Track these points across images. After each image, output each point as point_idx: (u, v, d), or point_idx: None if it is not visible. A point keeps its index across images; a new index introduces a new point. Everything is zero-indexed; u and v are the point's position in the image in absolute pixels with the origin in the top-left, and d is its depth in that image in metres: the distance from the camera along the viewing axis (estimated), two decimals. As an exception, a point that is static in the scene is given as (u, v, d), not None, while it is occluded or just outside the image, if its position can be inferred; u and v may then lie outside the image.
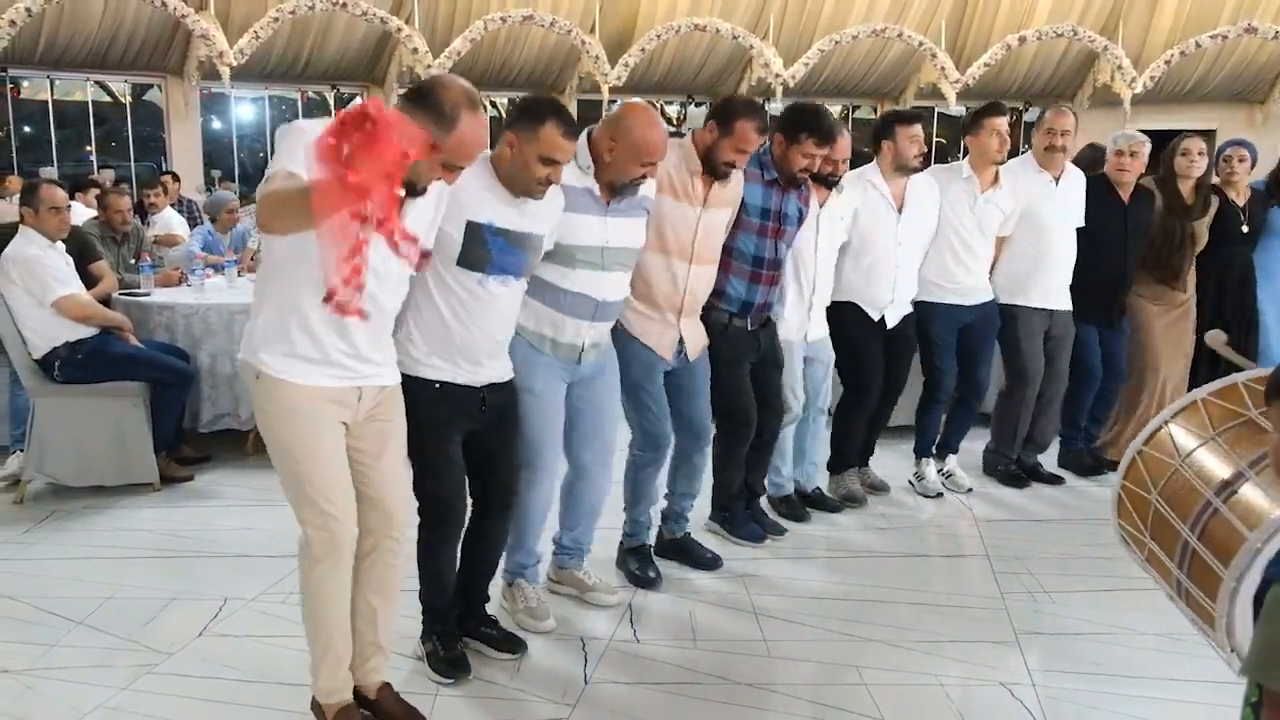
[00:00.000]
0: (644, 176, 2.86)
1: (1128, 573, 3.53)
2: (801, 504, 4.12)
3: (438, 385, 2.58)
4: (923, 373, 4.45)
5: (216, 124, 14.99)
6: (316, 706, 2.44)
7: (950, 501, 4.37)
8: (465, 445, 2.69)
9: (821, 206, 3.81)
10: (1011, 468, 4.60)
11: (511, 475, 2.82)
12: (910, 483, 4.49)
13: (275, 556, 3.48)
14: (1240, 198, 4.82)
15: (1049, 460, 4.76)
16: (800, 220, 3.66)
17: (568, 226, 2.79)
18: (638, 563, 3.45)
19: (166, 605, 3.18)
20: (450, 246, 2.51)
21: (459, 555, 2.79)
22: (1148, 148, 4.56)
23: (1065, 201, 4.41)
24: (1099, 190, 4.53)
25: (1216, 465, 1.62)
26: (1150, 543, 1.69)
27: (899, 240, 4.09)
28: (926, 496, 4.38)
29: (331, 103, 13.63)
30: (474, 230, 2.52)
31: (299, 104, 14.03)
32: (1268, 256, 4.96)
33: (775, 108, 14.80)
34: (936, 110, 14.85)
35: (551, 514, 3.15)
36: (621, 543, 3.51)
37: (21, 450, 4.35)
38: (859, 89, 15.04)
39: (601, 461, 3.14)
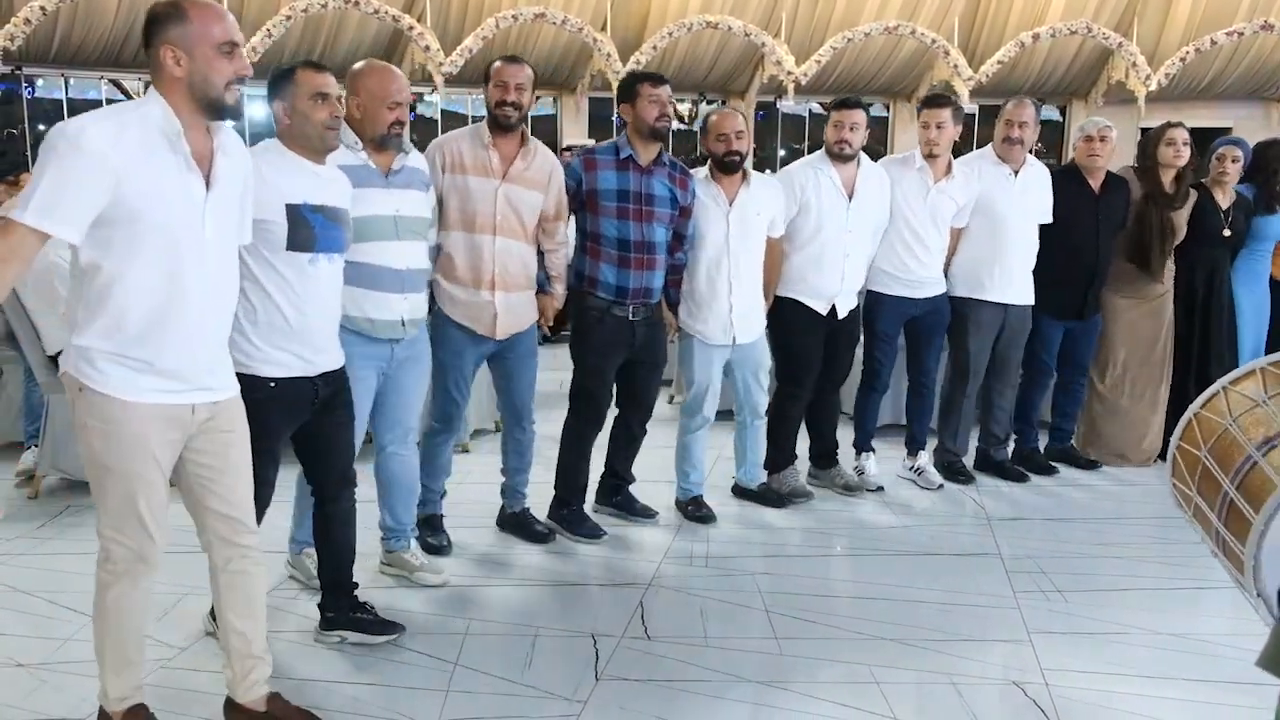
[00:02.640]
0: (399, 120, 2.97)
1: (1142, 572, 3.54)
2: (732, 501, 4.18)
3: (272, 384, 2.59)
4: (863, 363, 4.44)
5: (229, 123, 15.01)
6: (105, 716, 2.36)
7: (961, 499, 4.36)
8: (297, 434, 2.75)
9: (731, 203, 3.80)
10: (959, 464, 4.58)
11: (348, 460, 2.88)
12: (853, 473, 4.44)
13: (286, 553, 3.49)
14: (1225, 199, 4.77)
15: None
16: (676, 203, 3.67)
17: (357, 202, 2.87)
18: (430, 531, 3.59)
19: (180, 600, 3.19)
20: (276, 233, 2.55)
21: (315, 547, 2.96)
22: (1114, 133, 4.51)
23: (1024, 196, 4.36)
24: (1069, 181, 4.49)
25: (1263, 425, 1.72)
26: (1196, 497, 1.81)
27: (849, 227, 4.07)
28: (869, 490, 4.36)
29: (343, 103, 13.64)
30: (293, 212, 2.57)
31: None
32: (1253, 260, 4.95)
33: (787, 105, 14.79)
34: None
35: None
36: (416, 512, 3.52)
37: (36, 445, 4.38)
38: (871, 87, 14.98)
39: (404, 441, 3.25)
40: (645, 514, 3.98)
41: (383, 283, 3.01)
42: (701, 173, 3.87)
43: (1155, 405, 4.82)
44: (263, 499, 2.63)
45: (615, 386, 3.85)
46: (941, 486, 4.45)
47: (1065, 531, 3.97)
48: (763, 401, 4.12)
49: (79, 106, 13.53)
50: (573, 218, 3.73)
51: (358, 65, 3.08)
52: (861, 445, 4.52)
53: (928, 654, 2.92)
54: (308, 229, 2.59)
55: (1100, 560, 3.66)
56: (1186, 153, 4.58)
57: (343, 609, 2.95)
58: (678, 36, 12.73)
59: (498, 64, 3.44)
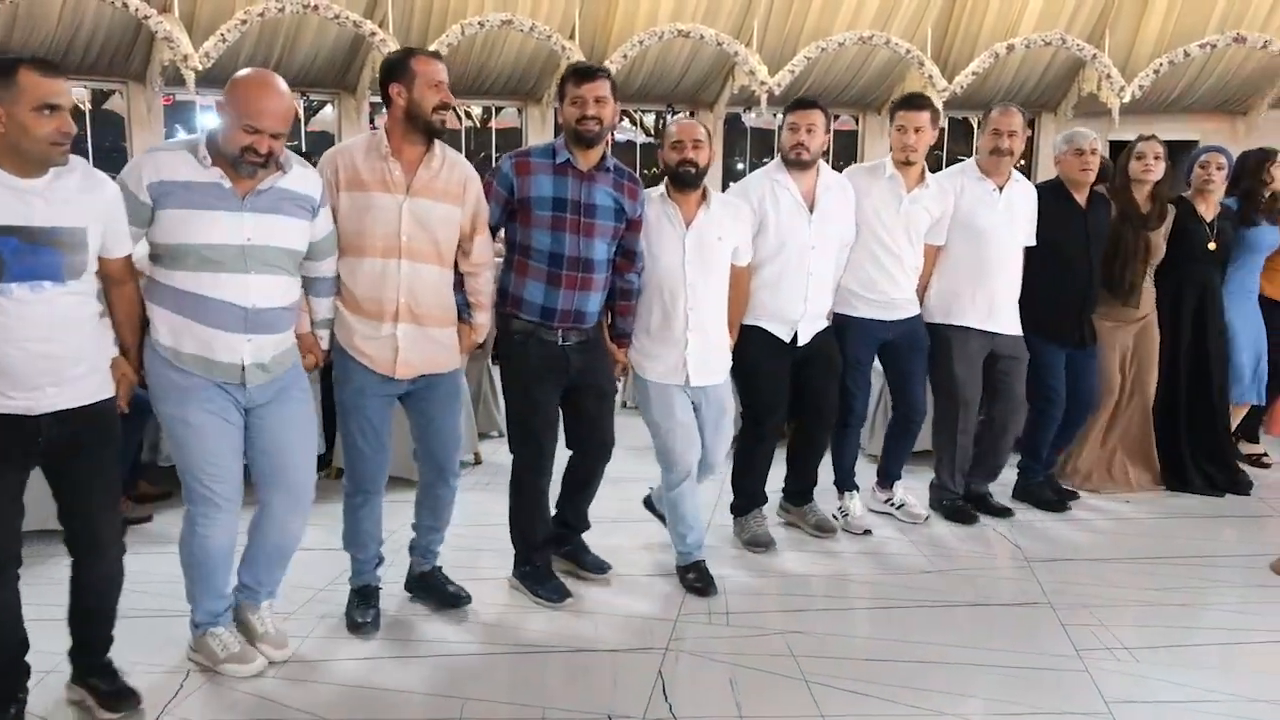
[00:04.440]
0: (254, 148, 2.51)
1: (1210, 623, 3.21)
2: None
3: None
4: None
5: (181, 133, 14.46)
6: None
7: (990, 537, 4.00)
8: (51, 482, 2.46)
9: (688, 225, 3.34)
10: (957, 502, 4.17)
11: (99, 518, 2.51)
12: (834, 517, 4.04)
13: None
14: (1209, 211, 4.49)
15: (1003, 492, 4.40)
16: (622, 215, 3.21)
17: (195, 225, 2.53)
18: (358, 603, 3.11)
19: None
20: None
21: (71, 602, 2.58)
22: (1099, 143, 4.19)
23: (1009, 214, 3.99)
24: (1055, 197, 4.14)
25: None
26: None
27: (811, 243, 3.66)
28: (853, 534, 3.95)
29: (301, 111, 13.15)
30: None
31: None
32: (1244, 274, 4.70)
33: (751, 118, 14.51)
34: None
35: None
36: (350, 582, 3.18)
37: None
38: (842, 98, 14.76)
39: (290, 503, 2.80)
40: (597, 568, 3.47)
41: (220, 319, 2.58)
42: (657, 190, 3.41)
43: (1146, 435, 4.54)
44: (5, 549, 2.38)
45: (565, 423, 3.35)
46: (926, 518, 4.07)
47: (1113, 574, 3.63)
48: (722, 453, 3.59)
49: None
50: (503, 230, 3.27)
51: (241, 71, 2.63)
52: (843, 484, 4.08)
53: (997, 731, 2.54)
54: None
55: (1161, 610, 3.31)
56: (1158, 167, 4.26)
57: (81, 670, 2.62)
58: (648, 45, 12.40)
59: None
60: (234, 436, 2.68)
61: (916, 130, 3.75)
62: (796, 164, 3.65)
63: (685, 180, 3.34)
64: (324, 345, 2.97)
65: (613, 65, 12.02)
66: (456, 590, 3.22)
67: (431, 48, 11.34)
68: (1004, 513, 4.21)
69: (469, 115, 13.93)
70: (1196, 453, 4.62)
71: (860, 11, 13.40)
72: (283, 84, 2.56)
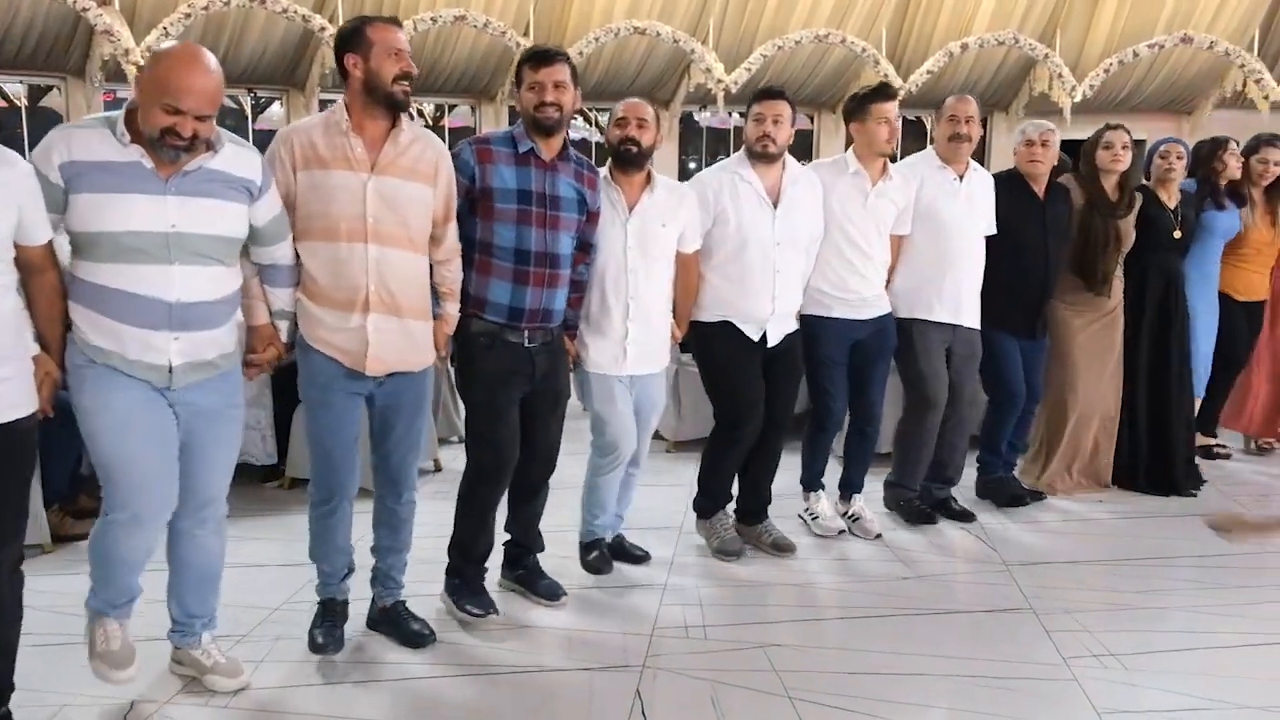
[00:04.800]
0: (175, 131, 2.27)
1: (1196, 627, 3.16)
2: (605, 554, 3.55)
3: None
4: (810, 398, 3.91)
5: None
6: None
7: (966, 540, 3.93)
8: None
9: (631, 210, 3.25)
10: (916, 503, 4.10)
11: (10, 529, 2.32)
12: (801, 518, 3.97)
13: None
14: (1171, 198, 4.51)
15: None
16: (584, 206, 3.09)
17: (112, 210, 2.30)
18: (322, 619, 2.92)
19: (55, 716, 2.53)
20: None
21: None
22: (1057, 136, 4.17)
23: (970, 203, 3.94)
24: (1011, 188, 4.12)
25: None
26: None
27: (776, 239, 3.52)
28: (825, 536, 3.87)
29: (248, 108, 12.82)
30: None
31: (212, 109, 13.17)
32: (1203, 258, 4.72)
33: (705, 117, 14.45)
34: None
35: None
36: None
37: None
38: (798, 97, 14.71)
39: (199, 518, 2.58)
40: (550, 594, 3.26)
41: (141, 315, 2.35)
42: (600, 171, 3.27)
43: (1108, 426, 4.50)
44: None
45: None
46: (879, 536, 3.90)
47: (1092, 577, 3.57)
48: (646, 449, 3.54)
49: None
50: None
51: (165, 44, 2.47)
52: (810, 484, 3.98)
53: (989, 747, 2.46)
54: None
55: (1145, 614, 3.26)
56: (1126, 156, 4.27)
57: None
58: (604, 42, 12.28)
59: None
60: (162, 438, 2.44)
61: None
62: (762, 156, 3.49)
63: (627, 160, 3.22)
64: (284, 338, 2.75)
65: (568, 62, 11.89)
66: (420, 628, 2.98)
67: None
68: (966, 516, 4.13)
69: (421, 114, 13.68)
70: (1149, 451, 4.59)
71: (816, 10, 13.40)
72: (211, 60, 2.33)
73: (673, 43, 12.54)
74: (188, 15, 9.85)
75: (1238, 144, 4.80)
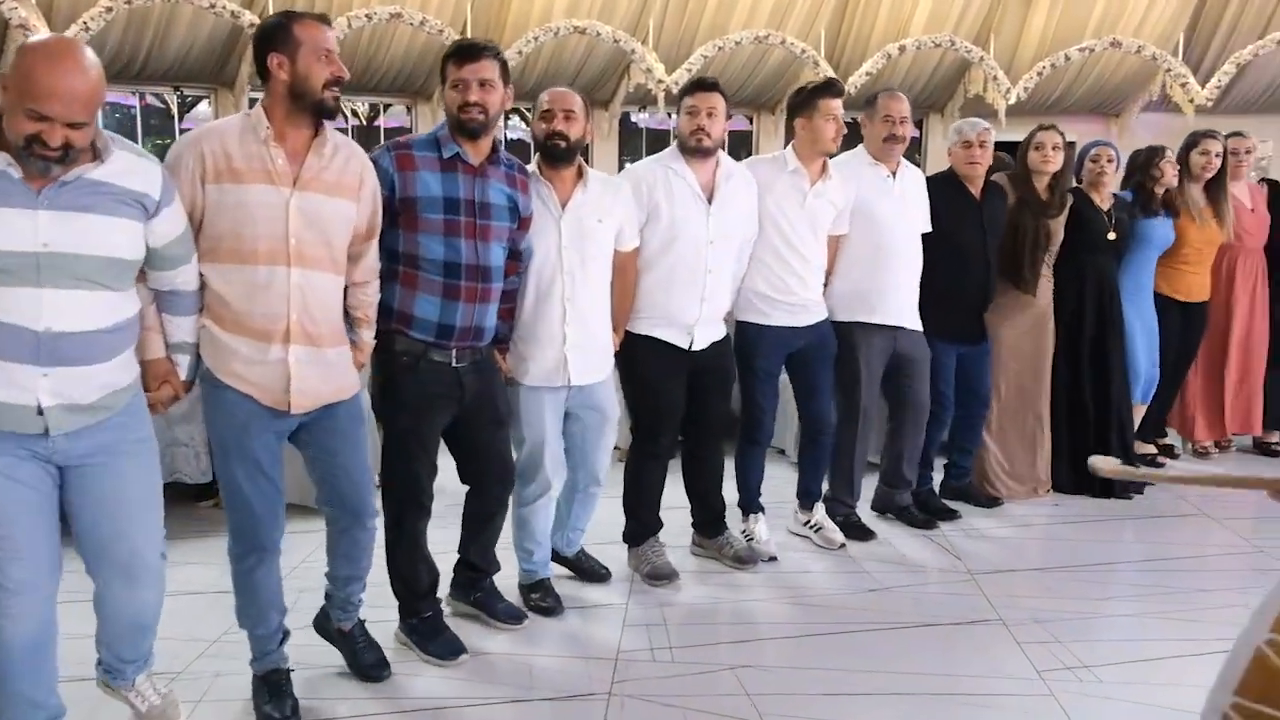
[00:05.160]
0: (42, 140, 1.97)
1: (1164, 634, 3.14)
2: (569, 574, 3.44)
3: None
4: (740, 410, 3.74)
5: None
6: None
7: (930, 549, 3.88)
8: None
9: (564, 206, 3.05)
10: (852, 516, 4.01)
11: None
12: (743, 541, 3.79)
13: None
14: (1104, 200, 4.53)
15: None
16: (516, 213, 2.87)
17: None
18: (268, 696, 2.60)
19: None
20: None
21: None
22: (993, 135, 4.16)
23: (904, 201, 3.86)
24: (948, 189, 4.08)
25: None
26: None
27: (710, 238, 3.36)
28: (762, 561, 3.69)
29: (174, 107, 12.40)
30: None
31: (136, 109, 12.70)
32: (1137, 269, 4.74)
33: (644, 118, 14.37)
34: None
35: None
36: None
37: None
38: (737, 98, 14.74)
39: (129, 581, 2.26)
40: (510, 617, 3.11)
41: (5, 349, 2.03)
42: (528, 167, 3.08)
43: (1041, 430, 4.50)
44: None
45: (455, 455, 3.00)
46: (843, 546, 3.83)
47: (1059, 585, 3.54)
48: (605, 464, 3.35)
49: None
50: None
51: (33, 37, 2.13)
52: (749, 507, 3.82)
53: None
54: None
55: (1112, 621, 3.24)
56: (1057, 157, 4.26)
57: None
58: (543, 41, 12.12)
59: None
60: (32, 498, 2.10)
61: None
62: (697, 151, 3.33)
63: (555, 155, 3.02)
64: (183, 374, 2.43)
65: (509, 62, 11.72)
66: (376, 661, 2.79)
67: (315, 41, 10.84)
68: (931, 523, 4.08)
69: (355, 114, 13.38)
70: (1089, 453, 4.57)
71: (755, 11, 13.41)
72: (86, 57, 2.00)
73: (613, 42, 12.44)
74: (109, 9, 9.46)
75: (1173, 153, 4.80)
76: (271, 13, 10.02)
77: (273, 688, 2.59)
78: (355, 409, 2.61)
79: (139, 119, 12.37)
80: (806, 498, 3.95)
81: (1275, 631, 1.31)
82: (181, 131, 12.02)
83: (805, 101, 3.59)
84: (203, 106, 12.56)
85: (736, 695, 2.71)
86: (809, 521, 3.93)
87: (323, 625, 2.87)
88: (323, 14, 2.48)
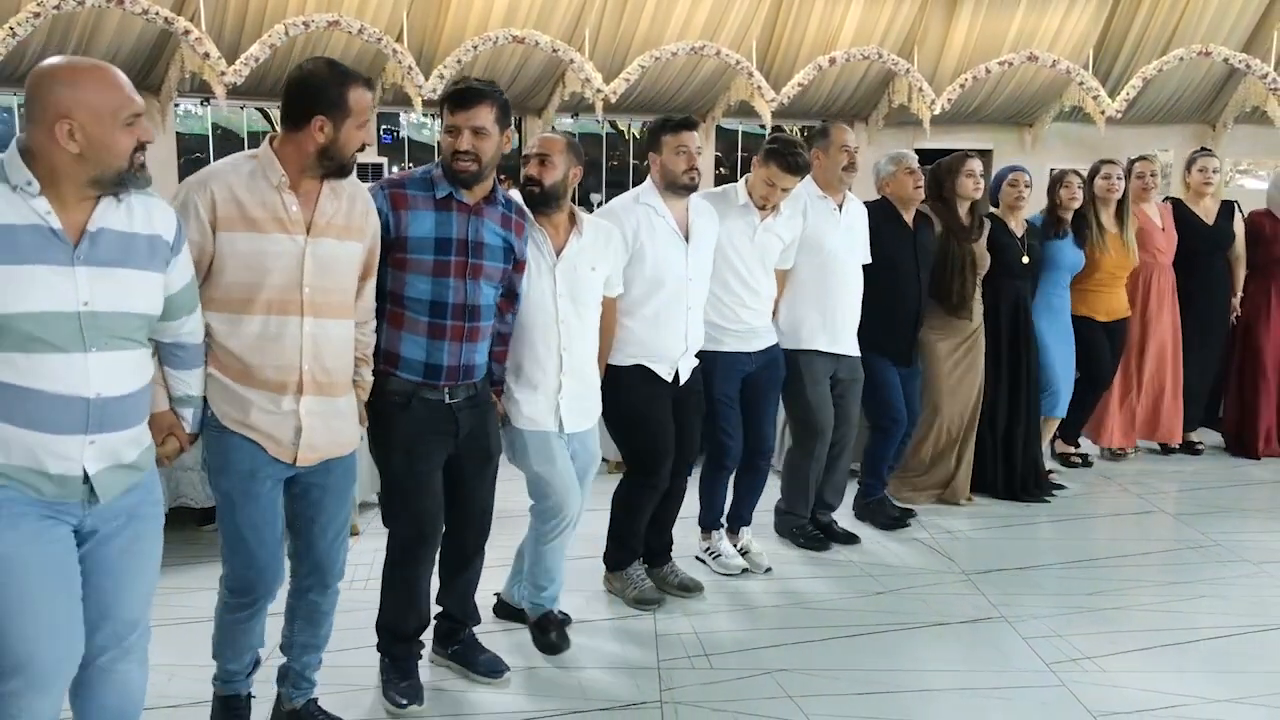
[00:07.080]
0: (141, 143, 1.89)
1: (1154, 625, 3.38)
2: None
3: None
4: (706, 438, 3.71)
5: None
6: None
7: (923, 551, 4.09)
8: None
9: (559, 254, 3.00)
10: (809, 529, 4.15)
11: None
12: (700, 560, 3.87)
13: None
14: (1018, 226, 4.76)
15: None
16: (511, 254, 2.81)
17: (7, 288, 1.80)
18: (224, 718, 2.57)
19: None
20: None
21: None
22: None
23: (850, 234, 3.96)
24: (885, 217, 4.22)
25: None
26: None
27: (690, 275, 3.38)
28: (727, 575, 3.77)
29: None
30: None
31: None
32: (1050, 291, 4.95)
33: (568, 124, 14.46)
34: (741, 129, 15.07)
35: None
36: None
37: None
38: (669, 106, 14.95)
39: (125, 648, 2.06)
40: (491, 670, 2.95)
41: (53, 420, 1.86)
42: (528, 216, 3.00)
43: (967, 442, 4.69)
44: None
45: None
46: (769, 570, 3.82)
47: (1050, 582, 3.78)
48: (584, 506, 3.22)
49: None
50: None
51: (56, 61, 1.88)
52: (712, 524, 3.86)
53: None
54: None
55: (1107, 614, 3.48)
56: (984, 184, 4.50)
57: None
58: (481, 49, 12.10)
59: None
60: (65, 574, 1.92)
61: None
62: (686, 189, 3.37)
63: (529, 200, 2.97)
64: (188, 427, 2.32)
65: (448, 70, 11.67)
66: None
67: (251, 49, 10.61)
68: (850, 539, 4.18)
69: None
70: (1004, 462, 4.82)
71: (689, 22, 13.60)
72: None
73: (551, 52, 12.48)
74: (37, 15, 9.14)
75: (1080, 175, 5.03)
76: (203, 18, 9.58)
77: (230, 713, 2.55)
78: (350, 470, 2.55)
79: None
80: (735, 521, 3.93)
81: None
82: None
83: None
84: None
85: (780, 698, 2.85)
86: (736, 545, 3.91)
87: (275, 717, 2.68)
88: (370, 79, 2.43)
